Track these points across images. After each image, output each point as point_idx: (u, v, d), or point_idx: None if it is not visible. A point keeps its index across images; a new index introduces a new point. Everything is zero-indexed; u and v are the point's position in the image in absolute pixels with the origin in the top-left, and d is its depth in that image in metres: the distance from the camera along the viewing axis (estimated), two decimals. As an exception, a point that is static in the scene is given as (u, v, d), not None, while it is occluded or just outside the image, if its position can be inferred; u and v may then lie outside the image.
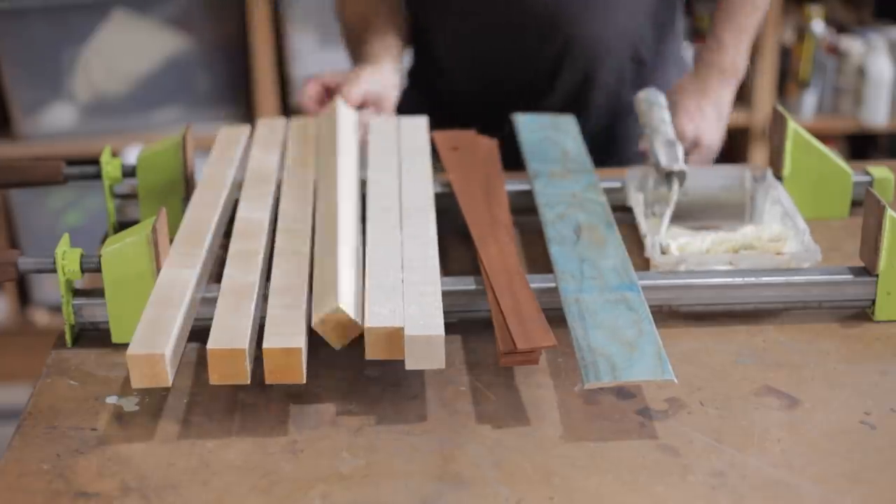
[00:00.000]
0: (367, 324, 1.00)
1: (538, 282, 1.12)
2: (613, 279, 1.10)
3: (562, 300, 1.08)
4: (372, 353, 1.01)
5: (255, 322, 1.03)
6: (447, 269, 1.20)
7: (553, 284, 1.12)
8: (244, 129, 1.38)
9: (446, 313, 1.03)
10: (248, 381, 0.98)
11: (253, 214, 1.19)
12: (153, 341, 0.97)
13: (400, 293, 1.05)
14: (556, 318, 1.13)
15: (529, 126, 1.43)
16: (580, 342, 1.02)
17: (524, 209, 1.34)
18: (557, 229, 1.19)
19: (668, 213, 1.26)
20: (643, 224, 1.25)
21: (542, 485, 0.92)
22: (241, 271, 1.08)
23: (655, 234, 1.21)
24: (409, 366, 1.00)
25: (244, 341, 0.98)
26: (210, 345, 0.97)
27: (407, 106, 1.54)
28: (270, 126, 1.40)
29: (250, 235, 1.15)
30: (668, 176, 1.29)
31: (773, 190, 1.29)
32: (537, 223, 1.25)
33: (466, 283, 1.12)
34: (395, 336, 1.00)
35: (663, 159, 1.30)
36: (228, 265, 1.09)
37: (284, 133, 1.38)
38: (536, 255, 1.27)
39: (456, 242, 1.26)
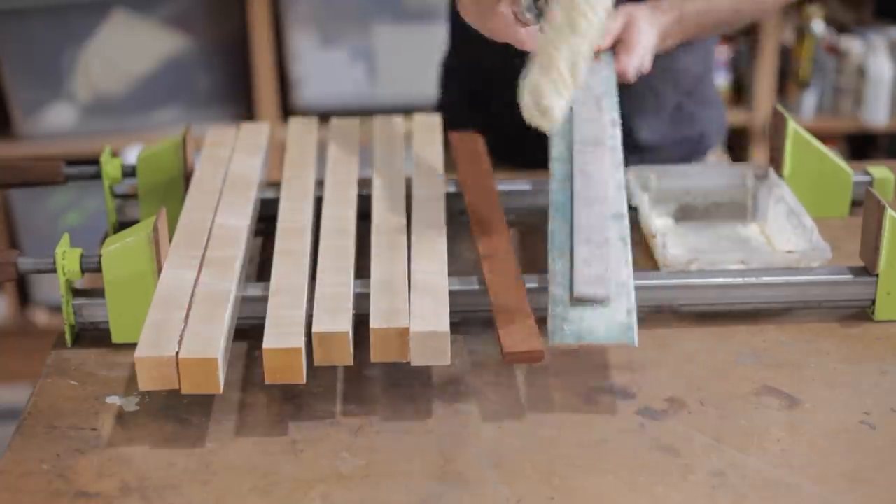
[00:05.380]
0: (372, 325, 1.00)
1: (544, 282, 1.12)
2: (599, 223, 1.08)
3: (548, 247, 1.08)
4: (377, 355, 1.01)
5: (231, 330, 1.03)
6: (451, 269, 1.20)
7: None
8: (232, 130, 1.36)
9: (450, 313, 1.03)
10: (220, 391, 0.97)
11: (229, 220, 1.17)
12: (160, 343, 0.97)
13: (404, 291, 1.05)
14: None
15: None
16: (555, 295, 1.02)
17: (524, 209, 1.34)
18: (562, 160, 1.18)
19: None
20: (650, 223, 1.25)
21: (542, 485, 0.92)
22: (216, 278, 1.07)
23: (664, 234, 1.21)
24: (414, 362, 1.00)
25: (216, 351, 0.97)
26: (182, 354, 0.96)
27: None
28: (256, 130, 1.38)
29: (227, 241, 1.13)
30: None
31: (776, 188, 1.29)
32: (538, 223, 1.25)
33: (469, 283, 1.12)
34: (399, 336, 1.00)
35: None
36: (204, 273, 1.08)
37: (268, 136, 1.37)
38: (536, 256, 1.27)
39: (460, 241, 1.26)
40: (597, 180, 1.13)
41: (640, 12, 1.37)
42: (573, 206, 1.09)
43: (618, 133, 1.24)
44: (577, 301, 0.99)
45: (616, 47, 1.37)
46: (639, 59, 1.35)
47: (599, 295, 0.99)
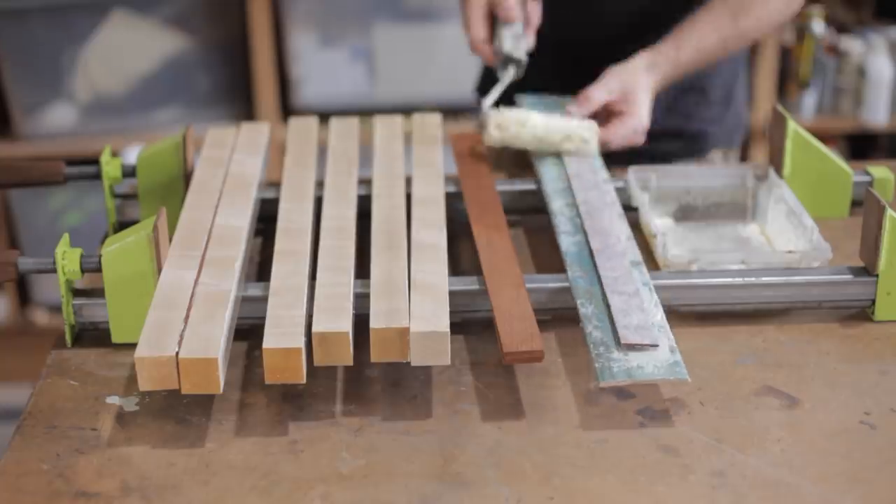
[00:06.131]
0: (372, 325, 1.00)
1: (541, 282, 1.12)
2: (625, 275, 1.11)
3: (573, 293, 1.09)
4: (377, 355, 1.01)
5: (231, 330, 1.03)
6: (451, 269, 1.20)
7: (558, 284, 1.12)
8: (232, 130, 1.37)
9: (450, 313, 1.02)
10: (220, 391, 0.97)
11: (229, 220, 1.17)
12: (160, 343, 0.97)
13: (404, 291, 1.05)
14: (561, 317, 1.13)
15: (534, 107, 1.44)
16: (594, 338, 1.03)
17: (525, 209, 1.34)
18: (567, 216, 1.22)
19: (496, 93, 1.40)
20: (650, 223, 1.25)
21: (542, 485, 0.92)
22: (216, 278, 1.07)
23: (664, 234, 1.21)
24: (414, 362, 1.00)
25: (216, 351, 0.97)
26: (182, 354, 0.96)
27: None
28: (256, 130, 1.38)
29: (227, 241, 1.14)
30: (506, 62, 1.42)
31: (776, 188, 1.29)
32: (538, 223, 1.25)
33: (469, 283, 1.12)
34: (399, 336, 1.00)
35: (507, 45, 1.41)
36: (204, 273, 1.08)
37: (268, 136, 1.37)
38: (537, 256, 1.27)
39: (460, 241, 1.26)
40: (608, 234, 1.18)
41: (637, 81, 1.39)
42: (595, 261, 1.13)
43: (612, 189, 1.27)
44: (626, 348, 1.02)
45: (610, 116, 1.39)
46: (629, 131, 1.38)
47: (647, 343, 1.02)
